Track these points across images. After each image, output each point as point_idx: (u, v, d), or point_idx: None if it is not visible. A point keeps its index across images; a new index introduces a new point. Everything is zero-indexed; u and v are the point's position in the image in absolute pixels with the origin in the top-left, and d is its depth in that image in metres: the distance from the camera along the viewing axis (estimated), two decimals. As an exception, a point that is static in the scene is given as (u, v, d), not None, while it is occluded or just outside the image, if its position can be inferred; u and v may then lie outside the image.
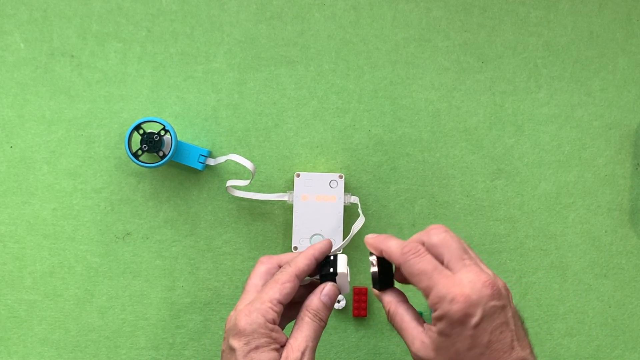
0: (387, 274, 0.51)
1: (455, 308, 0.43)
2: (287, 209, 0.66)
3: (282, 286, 0.49)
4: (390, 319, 0.49)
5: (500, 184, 0.67)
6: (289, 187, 0.66)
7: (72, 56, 0.65)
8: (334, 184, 0.64)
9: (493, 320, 0.43)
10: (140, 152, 0.62)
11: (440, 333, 0.44)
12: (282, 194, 0.64)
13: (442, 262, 0.45)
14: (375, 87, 0.67)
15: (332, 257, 0.52)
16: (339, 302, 0.65)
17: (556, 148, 0.68)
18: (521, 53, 0.67)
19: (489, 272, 0.45)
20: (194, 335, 0.65)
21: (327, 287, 0.50)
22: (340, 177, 0.64)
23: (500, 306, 0.43)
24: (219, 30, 0.66)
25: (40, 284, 0.65)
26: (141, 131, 0.62)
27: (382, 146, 0.67)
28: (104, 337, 0.65)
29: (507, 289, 0.45)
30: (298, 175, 0.64)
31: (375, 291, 0.51)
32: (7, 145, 0.65)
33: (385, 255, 0.49)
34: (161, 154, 0.62)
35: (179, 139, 0.65)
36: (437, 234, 0.46)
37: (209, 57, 0.66)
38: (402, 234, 0.66)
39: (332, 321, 0.66)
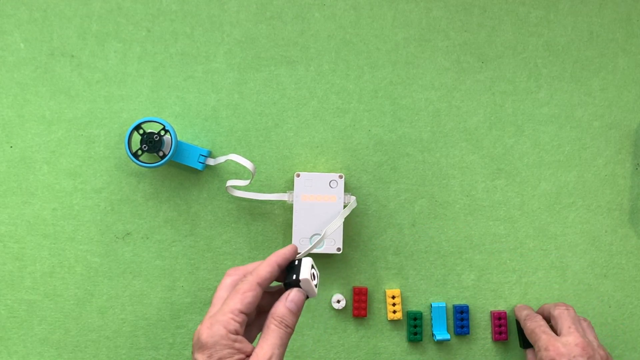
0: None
1: (546, 354, 0.57)
2: (287, 209, 0.66)
3: (242, 295, 0.48)
4: None
5: (500, 184, 0.67)
6: (289, 187, 0.66)
7: (72, 56, 0.65)
8: (334, 184, 0.64)
9: None
10: (140, 152, 0.62)
11: None
12: (282, 194, 0.64)
13: (557, 330, 0.60)
14: (375, 87, 0.67)
15: (296, 262, 0.52)
16: (339, 302, 0.65)
17: (556, 148, 0.68)
18: (521, 53, 0.68)
19: (593, 341, 0.59)
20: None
21: (292, 293, 0.50)
22: (340, 177, 0.64)
23: None
24: (219, 30, 0.66)
25: (40, 284, 0.65)
26: (141, 131, 0.62)
27: (382, 146, 0.67)
28: (104, 337, 0.65)
29: (604, 356, 0.58)
30: (298, 175, 0.64)
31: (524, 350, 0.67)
32: (7, 145, 0.65)
33: (517, 318, 0.65)
34: (161, 154, 0.62)
35: (179, 139, 0.65)
36: (558, 309, 0.61)
37: (209, 57, 0.66)
38: (402, 234, 0.66)
39: (332, 321, 0.66)
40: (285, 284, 0.51)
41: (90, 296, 0.65)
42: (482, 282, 0.67)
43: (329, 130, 0.67)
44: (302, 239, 0.63)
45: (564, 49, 0.68)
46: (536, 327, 0.60)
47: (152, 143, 0.61)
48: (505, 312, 0.66)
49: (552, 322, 0.62)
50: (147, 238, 0.65)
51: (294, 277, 0.51)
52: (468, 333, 0.66)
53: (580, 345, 0.57)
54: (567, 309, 0.61)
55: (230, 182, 0.64)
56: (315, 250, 0.63)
